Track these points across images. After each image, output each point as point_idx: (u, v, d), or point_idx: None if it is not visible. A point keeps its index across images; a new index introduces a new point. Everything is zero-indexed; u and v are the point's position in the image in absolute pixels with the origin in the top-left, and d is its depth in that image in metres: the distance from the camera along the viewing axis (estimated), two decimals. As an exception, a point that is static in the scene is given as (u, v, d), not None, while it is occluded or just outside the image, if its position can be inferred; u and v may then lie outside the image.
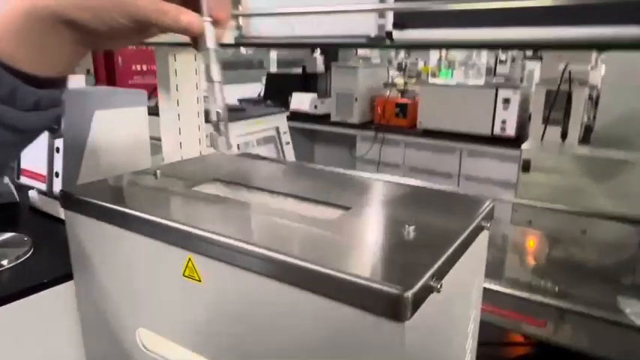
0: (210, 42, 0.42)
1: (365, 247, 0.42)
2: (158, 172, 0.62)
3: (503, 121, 2.51)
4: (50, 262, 0.78)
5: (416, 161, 2.84)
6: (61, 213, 0.90)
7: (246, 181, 0.61)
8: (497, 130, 2.52)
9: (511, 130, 2.49)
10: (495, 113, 2.51)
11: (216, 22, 0.41)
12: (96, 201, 0.53)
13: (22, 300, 0.69)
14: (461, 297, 0.47)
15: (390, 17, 0.74)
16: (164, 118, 1.09)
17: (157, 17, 0.36)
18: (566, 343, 0.88)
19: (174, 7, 0.37)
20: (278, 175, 0.69)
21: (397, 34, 0.71)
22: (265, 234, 0.46)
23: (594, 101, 2.10)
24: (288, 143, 1.93)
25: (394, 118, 2.90)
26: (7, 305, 0.68)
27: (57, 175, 0.86)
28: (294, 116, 2.99)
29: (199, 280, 0.45)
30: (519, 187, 1.21)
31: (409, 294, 0.34)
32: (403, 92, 3.11)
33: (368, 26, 0.79)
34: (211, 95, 0.47)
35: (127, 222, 0.50)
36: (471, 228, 0.45)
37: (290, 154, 1.94)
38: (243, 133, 1.71)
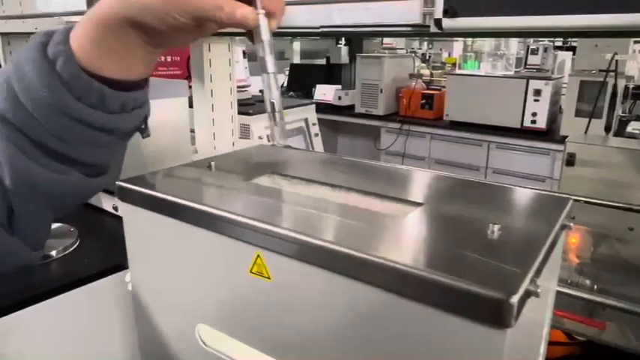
0: (265, 34, 0.42)
1: (451, 247, 0.39)
2: (212, 164, 0.60)
3: (534, 114, 2.44)
4: (98, 253, 0.78)
5: (442, 154, 2.79)
6: (105, 204, 0.90)
7: (302, 174, 0.59)
8: (527, 123, 2.46)
9: (542, 123, 2.43)
10: (526, 105, 2.45)
11: (269, 14, 0.42)
12: (156, 194, 0.51)
13: (72, 291, 0.69)
14: (544, 300, 0.45)
15: (439, 5, 0.71)
16: (198, 109, 1.07)
17: (213, 13, 0.37)
18: (614, 341, 0.85)
19: (230, 2, 0.38)
20: (330, 168, 0.67)
21: (447, 23, 0.68)
22: (340, 232, 0.44)
23: (630, 93, 2.03)
24: (317, 135, 1.90)
25: (420, 110, 2.85)
26: (58, 297, 0.67)
27: (101, 165, 0.86)
28: (318, 108, 2.96)
29: (268, 278, 0.44)
30: (562, 181, 1.17)
31: (515, 299, 0.31)
32: (429, 83, 3.06)
33: (411, 14, 0.76)
34: (266, 86, 0.47)
35: (190, 216, 0.48)
36: (557, 227, 0.43)
37: (319, 146, 1.91)
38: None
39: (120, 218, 0.57)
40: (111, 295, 0.71)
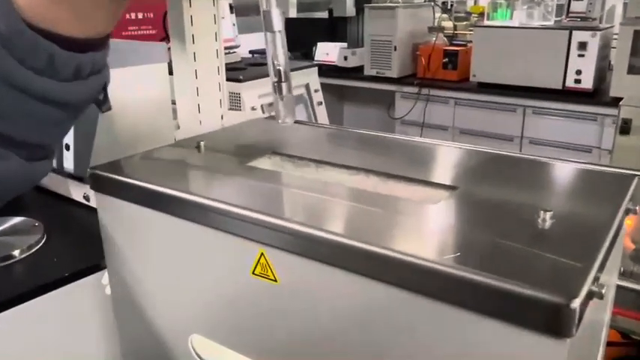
0: None
1: (495, 240, 0.38)
2: (202, 144, 0.59)
3: (578, 72, 2.40)
4: (69, 252, 0.77)
5: (468, 122, 2.77)
6: (74, 193, 0.89)
7: (308, 154, 0.58)
8: (569, 83, 2.43)
9: (588, 83, 2.39)
10: (568, 61, 2.41)
11: None
12: (137, 182, 0.50)
13: (39, 298, 0.69)
14: (606, 299, 0.44)
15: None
16: (179, 77, 1.06)
17: None
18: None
19: None
20: (340, 144, 0.65)
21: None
22: (361, 224, 0.43)
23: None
24: (320, 104, 1.88)
25: (441, 71, 2.82)
26: (22, 305, 0.67)
27: (67, 147, 0.85)
28: (320, 70, 2.93)
29: (275, 280, 0.43)
30: (615, 152, 1.16)
31: (576, 304, 0.30)
32: (452, 38, 3.01)
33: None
34: (270, 49, 0.45)
35: (178, 208, 0.47)
36: (621, 212, 0.42)
37: (322, 116, 1.89)
38: (264, 93, 1.66)
39: (93, 209, 0.56)
40: (86, 301, 0.71)
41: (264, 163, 0.57)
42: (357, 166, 0.54)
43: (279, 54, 0.45)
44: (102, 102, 0.43)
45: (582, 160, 0.54)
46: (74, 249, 0.78)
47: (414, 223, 0.42)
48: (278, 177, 0.53)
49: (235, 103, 1.68)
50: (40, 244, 0.78)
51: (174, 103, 1.08)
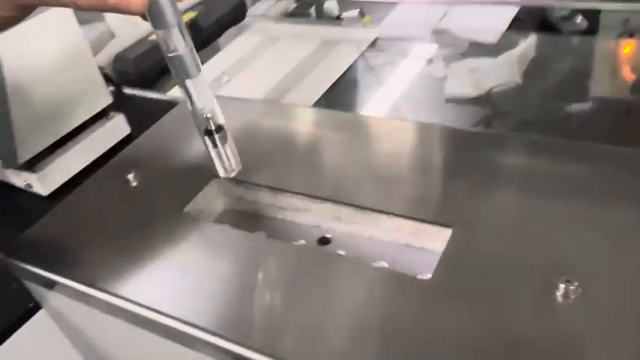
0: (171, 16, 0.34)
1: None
2: (130, 177, 0.48)
3: None
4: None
5: None
6: (15, 181, 0.77)
7: (265, 171, 0.47)
8: None
9: None
10: None
11: None
12: (50, 275, 0.41)
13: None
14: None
15: None
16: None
17: None
18: None
19: None
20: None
21: None
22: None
23: None
24: None
25: None
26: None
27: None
28: None
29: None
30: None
31: None
32: None
33: None
34: (194, 95, 0.37)
35: (114, 311, 0.39)
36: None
37: None
38: None
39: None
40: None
41: (209, 200, 0.47)
42: (323, 195, 0.43)
43: (206, 99, 0.36)
44: None
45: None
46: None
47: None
48: (222, 242, 0.43)
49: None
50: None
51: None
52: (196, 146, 0.50)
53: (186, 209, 0.45)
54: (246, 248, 0.41)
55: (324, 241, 0.44)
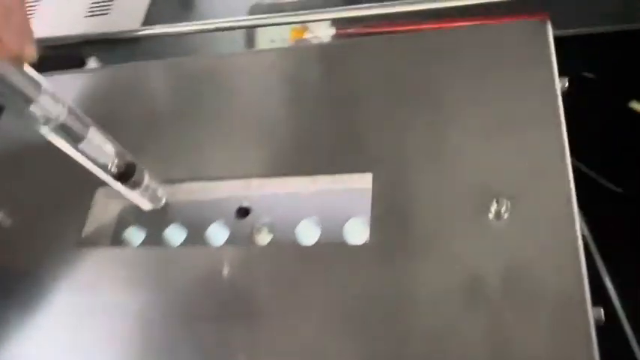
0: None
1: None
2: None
3: None
4: None
5: None
6: None
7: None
8: None
9: None
10: None
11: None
12: None
13: None
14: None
15: None
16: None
17: None
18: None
19: None
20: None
21: None
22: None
23: None
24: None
25: None
26: None
27: None
28: None
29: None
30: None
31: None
32: None
33: None
34: (94, 153, 0.34)
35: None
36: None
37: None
38: None
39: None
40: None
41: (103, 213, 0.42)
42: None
43: (107, 150, 0.34)
44: None
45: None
46: None
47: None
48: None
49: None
50: None
51: None
52: (53, 155, 0.36)
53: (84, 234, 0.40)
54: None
55: (243, 212, 0.40)
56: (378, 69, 0.42)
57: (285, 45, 0.62)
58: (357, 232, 0.35)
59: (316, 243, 0.36)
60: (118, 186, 0.35)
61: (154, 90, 0.50)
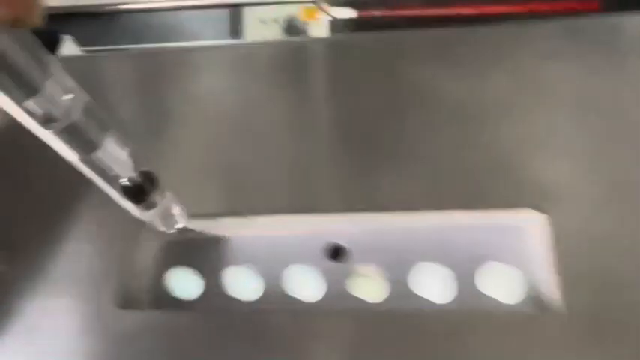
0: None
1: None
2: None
3: None
4: None
5: None
6: None
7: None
8: None
9: None
10: None
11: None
12: None
13: None
14: None
15: None
16: None
17: None
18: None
19: None
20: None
21: None
22: None
23: None
24: None
25: None
26: None
27: None
28: None
29: None
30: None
31: None
32: None
33: None
34: (108, 164, 0.23)
35: None
36: None
37: None
38: None
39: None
40: None
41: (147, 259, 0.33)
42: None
43: (124, 164, 0.24)
44: None
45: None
46: None
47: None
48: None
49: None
50: None
51: None
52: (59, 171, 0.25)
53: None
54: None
55: (336, 252, 0.31)
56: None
57: (277, 26, 0.55)
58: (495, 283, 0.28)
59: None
60: (127, 204, 0.26)
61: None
